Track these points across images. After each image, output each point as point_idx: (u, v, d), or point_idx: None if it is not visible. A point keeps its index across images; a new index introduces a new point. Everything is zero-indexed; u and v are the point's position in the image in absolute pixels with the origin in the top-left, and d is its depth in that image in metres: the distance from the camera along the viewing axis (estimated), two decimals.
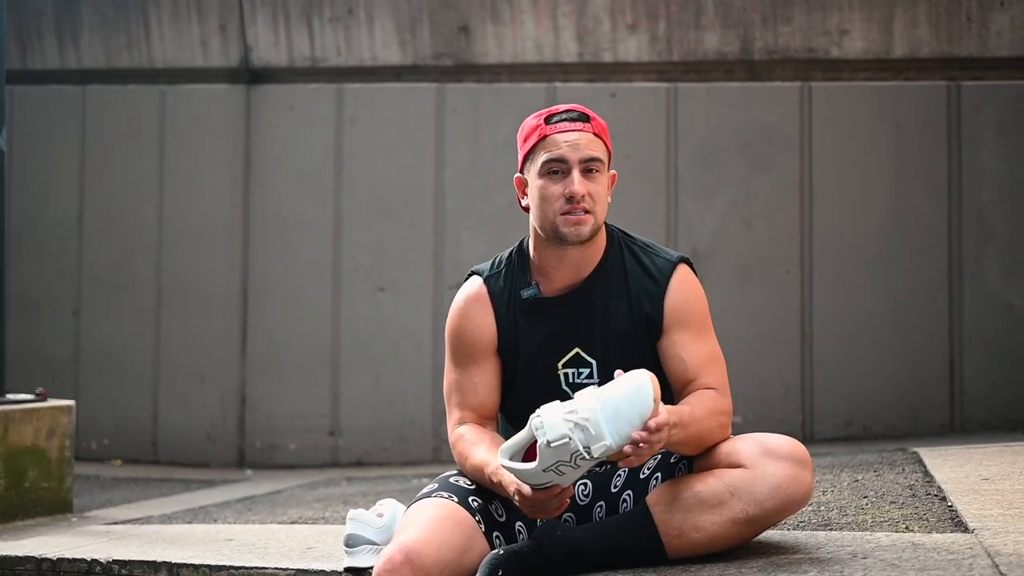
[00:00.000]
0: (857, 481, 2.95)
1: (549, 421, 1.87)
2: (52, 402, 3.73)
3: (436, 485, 2.11)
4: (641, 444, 1.86)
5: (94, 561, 2.70)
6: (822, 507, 2.58)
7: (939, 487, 2.70)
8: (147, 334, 5.37)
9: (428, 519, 2.00)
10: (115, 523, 3.51)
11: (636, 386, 1.88)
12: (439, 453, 5.08)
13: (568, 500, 1.94)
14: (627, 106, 4.96)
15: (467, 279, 2.23)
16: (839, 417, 4.74)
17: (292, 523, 3.24)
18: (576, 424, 1.86)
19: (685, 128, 4.96)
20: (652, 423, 1.85)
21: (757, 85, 4.91)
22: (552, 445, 1.85)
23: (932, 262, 4.74)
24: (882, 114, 4.80)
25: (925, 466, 3.08)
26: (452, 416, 2.18)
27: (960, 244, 4.73)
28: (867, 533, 2.22)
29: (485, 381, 2.15)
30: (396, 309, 5.17)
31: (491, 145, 5.13)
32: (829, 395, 4.76)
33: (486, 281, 2.18)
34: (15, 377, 5.36)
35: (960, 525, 2.25)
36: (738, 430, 2.16)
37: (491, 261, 2.22)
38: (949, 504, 2.47)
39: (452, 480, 2.11)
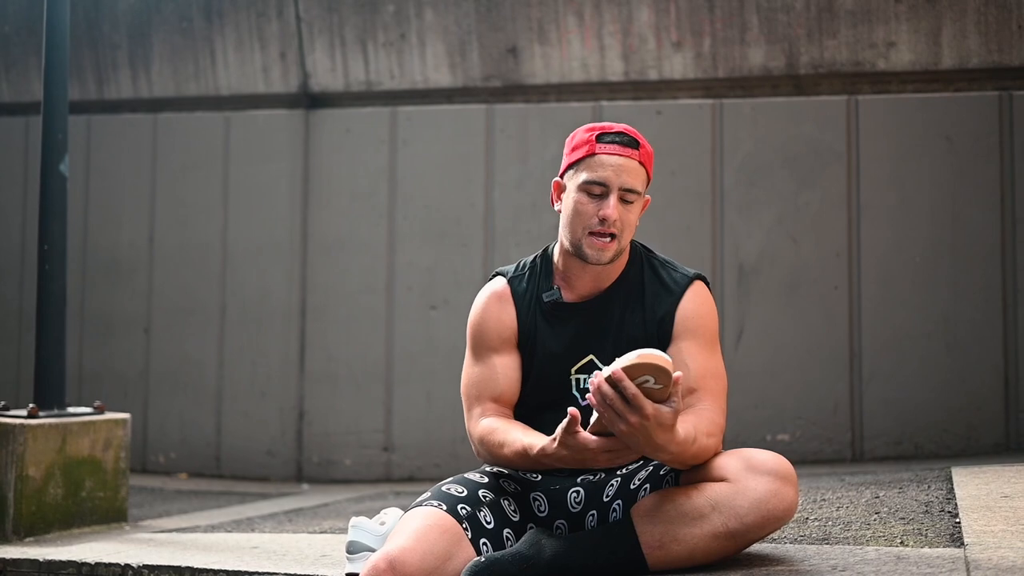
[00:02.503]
0: (877, 498, 2.91)
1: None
2: (109, 415, 3.86)
3: (429, 494, 2.16)
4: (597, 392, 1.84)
5: (127, 566, 2.82)
6: (828, 522, 2.56)
7: (956, 504, 2.65)
8: (211, 352, 5.57)
9: (414, 528, 2.05)
10: (162, 532, 3.63)
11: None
12: None
13: (624, 455, 1.91)
14: (672, 123, 4.98)
15: (491, 279, 2.29)
16: (889, 435, 4.64)
17: (321, 533, 3.33)
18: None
19: (731, 144, 4.95)
20: (618, 373, 1.83)
21: (803, 100, 4.88)
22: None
23: (985, 276, 4.62)
24: (932, 126, 4.72)
25: (952, 483, 3.01)
26: (472, 411, 2.22)
27: (1014, 257, 4.60)
28: (857, 547, 2.21)
29: (507, 373, 2.20)
30: (448, 327, 5.26)
31: (539, 164, 5.20)
32: (879, 413, 4.66)
33: (510, 282, 2.25)
34: (88, 392, 5.64)
35: (956, 540, 2.22)
36: (786, 448, 2.17)
37: (516, 264, 2.30)
38: (957, 520, 2.44)
39: (444, 488, 2.16)
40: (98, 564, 2.89)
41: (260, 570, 2.65)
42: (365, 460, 5.32)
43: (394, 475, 5.28)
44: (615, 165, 2.10)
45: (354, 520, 2.40)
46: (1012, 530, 2.23)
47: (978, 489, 2.85)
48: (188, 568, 2.77)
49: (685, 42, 5.00)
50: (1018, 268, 4.60)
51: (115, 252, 5.78)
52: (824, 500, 2.91)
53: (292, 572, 2.59)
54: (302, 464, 5.41)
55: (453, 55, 5.33)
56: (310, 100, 5.53)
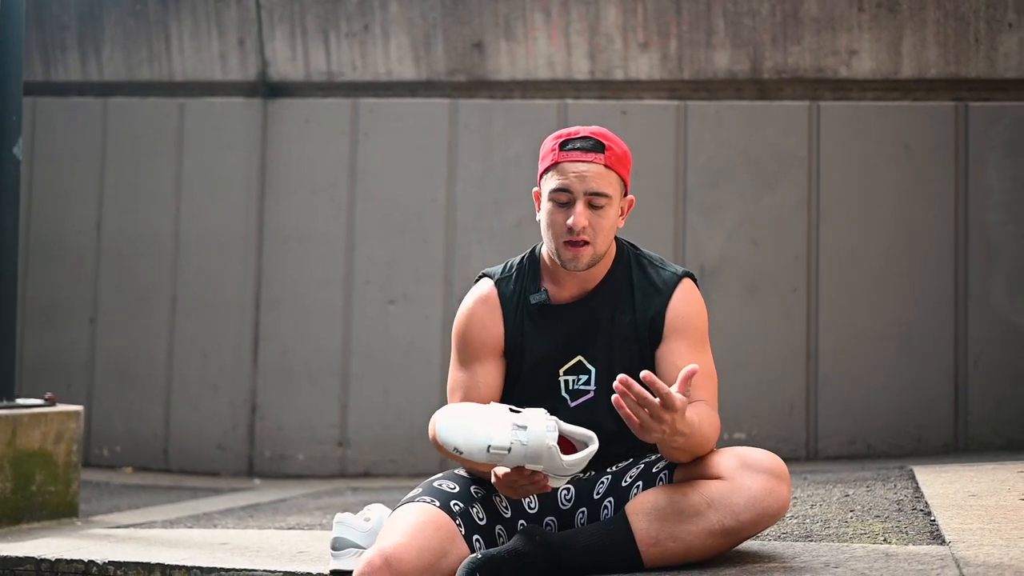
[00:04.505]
0: (847, 496, 2.97)
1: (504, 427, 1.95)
2: (60, 407, 3.77)
3: (420, 490, 2.14)
4: (626, 393, 1.87)
5: (91, 562, 2.73)
6: (807, 520, 2.60)
7: (926, 502, 2.71)
8: (161, 343, 5.45)
9: (408, 524, 2.03)
10: (118, 527, 3.54)
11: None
12: (446, 465, 5.10)
13: (546, 485, 1.96)
14: (637, 123, 5.01)
15: (478, 280, 2.27)
16: (843, 435, 4.74)
17: (289, 529, 3.28)
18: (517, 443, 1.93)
19: (695, 146, 5.01)
20: (649, 377, 1.87)
21: (766, 104, 4.95)
22: (490, 451, 1.92)
23: (938, 282, 4.75)
24: (890, 134, 4.83)
25: (917, 482, 3.09)
26: (453, 397, 2.23)
27: (966, 264, 4.74)
28: (844, 544, 2.25)
29: (488, 381, 2.19)
30: (406, 322, 5.23)
31: (502, 161, 5.20)
32: (834, 413, 4.77)
33: (497, 284, 2.23)
34: (31, 383, 5.47)
35: (938, 538, 2.27)
36: (741, 446, 2.18)
37: (503, 265, 2.27)
38: (932, 518, 2.49)
39: (436, 484, 2.14)
40: (59, 560, 2.80)
41: (236, 567, 2.60)
42: (319, 455, 5.26)
43: (349, 471, 5.23)
44: (578, 172, 2.09)
45: (339, 516, 2.37)
46: (989, 528, 2.29)
47: (944, 488, 2.92)
48: (158, 565, 2.70)
49: (652, 43, 5.04)
50: (970, 274, 4.74)
51: (60, 239, 5.61)
52: (796, 498, 2.96)
53: (271, 568, 2.55)
54: (254, 459, 5.33)
55: (417, 48, 5.29)
56: (269, 89, 5.44)
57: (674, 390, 1.89)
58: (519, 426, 1.93)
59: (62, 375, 5.50)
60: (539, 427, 1.92)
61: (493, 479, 2.00)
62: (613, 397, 1.89)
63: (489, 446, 1.91)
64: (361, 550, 2.32)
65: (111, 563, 2.75)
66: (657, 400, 1.86)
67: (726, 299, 4.88)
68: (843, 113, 4.89)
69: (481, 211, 5.21)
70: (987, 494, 2.77)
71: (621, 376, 1.86)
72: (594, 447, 1.96)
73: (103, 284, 5.56)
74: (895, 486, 3.12)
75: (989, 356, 4.69)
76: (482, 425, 1.95)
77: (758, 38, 4.94)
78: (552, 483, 1.97)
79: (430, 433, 2.02)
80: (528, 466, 1.92)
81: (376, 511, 2.39)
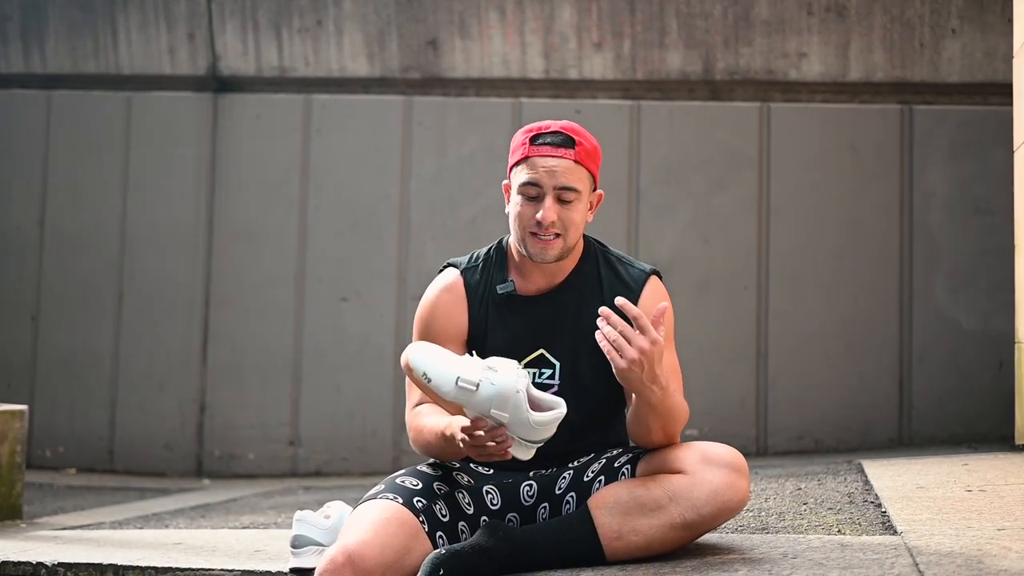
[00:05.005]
0: (800, 489, 3.03)
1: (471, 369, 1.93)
2: (4, 407, 3.69)
3: (383, 486, 2.13)
4: (614, 324, 1.91)
5: (39, 564, 2.65)
6: (762, 513, 2.64)
7: (876, 495, 2.77)
8: (106, 341, 5.35)
9: (371, 521, 2.01)
10: (64, 528, 3.47)
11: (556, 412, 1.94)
12: (399, 463, 5.09)
13: (509, 451, 1.94)
14: (591, 122, 4.99)
15: (443, 270, 2.26)
16: (792, 431, 4.83)
17: (243, 528, 3.24)
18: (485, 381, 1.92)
19: (648, 145, 5.06)
20: (623, 303, 1.94)
21: (718, 105, 5.02)
22: (459, 384, 1.91)
23: (884, 281, 4.86)
24: (838, 135, 4.93)
25: (866, 475, 3.16)
26: (411, 399, 2.20)
27: (911, 263, 4.86)
28: (800, 536, 2.29)
29: None
30: (359, 319, 5.20)
31: (457, 158, 5.19)
32: (783, 409, 4.86)
33: (463, 273, 2.21)
34: None
35: (890, 528, 2.32)
36: (702, 441, 2.21)
37: (469, 256, 2.26)
38: (883, 510, 2.55)
39: (398, 481, 2.13)
40: (6, 563, 2.72)
41: (192, 566, 2.56)
42: (270, 454, 5.21)
43: (300, 470, 5.19)
44: (548, 167, 2.09)
45: (299, 514, 2.35)
46: (938, 518, 2.35)
47: (892, 480, 3.00)
48: (111, 566, 2.64)
49: (606, 43, 5.08)
50: (915, 273, 4.86)
51: (1, 235, 5.48)
52: (751, 492, 3.00)
53: (229, 568, 2.51)
54: (202, 458, 5.26)
55: (371, 45, 5.27)
56: (219, 83, 5.38)
57: None
58: (490, 368, 1.93)
59: (3, 374, 5.37)
60: (510, 371, 1.92)
61: (459, 434, 1.96)
62: (596, 333, 1.93)
63: (459, 378, 1.90)
64: (321, 547, 2.30)
65: (61, 564, 2.69)
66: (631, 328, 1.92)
67: (678, 297, 4.89)
68: (793, 114, 4.97)
69: (435, 208, 5.20)
70: (934, 486, 2.85)
71: (603, 309, 1.92)
72: (562, 410, 1.94)
73: (46, 281, 5.44)
74: (845, 479, 3.19)
75: (932, 353, 4.81)
76: (456, 360, 1.95)
77: (710, 40, 5.00)
78: (515, 451, 1.94)
79: (402, 361, 1.99)
80: (493, 412, 1.90)
81: (336, 508, 2.38)
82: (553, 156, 2.10)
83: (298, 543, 2.32)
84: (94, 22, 5.44)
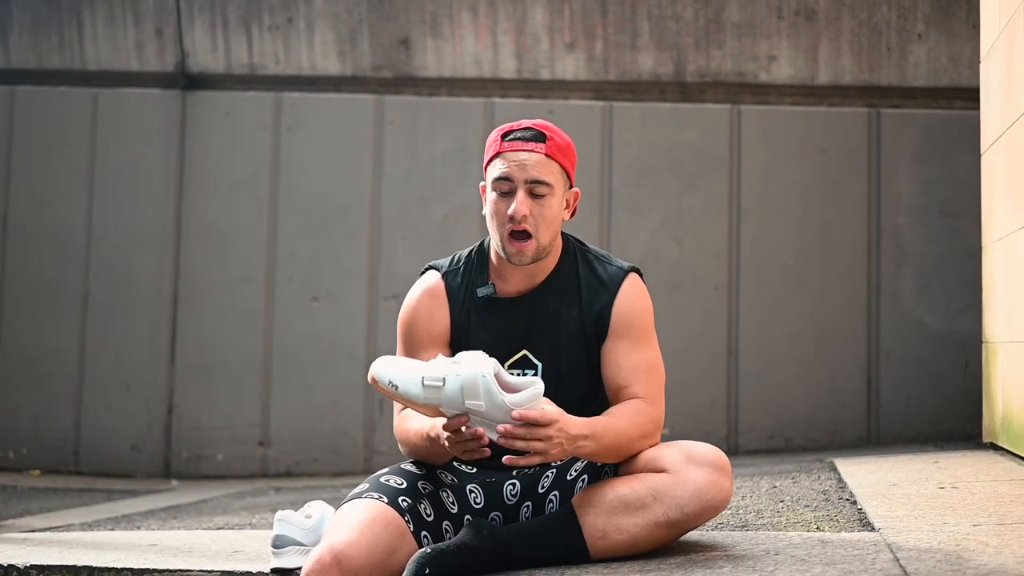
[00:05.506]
0: (775, 487, 3.06)
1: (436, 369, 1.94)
2: None
3: (367, 485, 2.12)
4: (510, 435, 1.89)
5: (11, 567, 2.61)
6: (740, 511, 2.67)
7: (851, 492, 2.82)
8: (72, 341, 5.27)
9: (357, 521, 2.01)
10: (33, 531, 3.41)
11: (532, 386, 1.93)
12: (370, 464, 5.07)
13: (486, 448, 1.94)
14: (563, 123, 4.97)
15: (424, 272, 2.25)
16: (762, 430, 4.88)
17: (218, 529, 3.21)
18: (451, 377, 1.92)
19: (619, 146, 5.09)
20: (517, 413, 1.90)
21: (689, 106, 5.06)
22: (425, 383, 1.91)
23: (852, 281, 4.93)
24: (807, 138, 4.99)
25: (839, 473, 3.21)
26: (398, 404, 2.21)
27: (878, 264, 4.93)
28: (781, 532, 2.32)
29: None
30: (330, 319, 5.17)
31: (429, 158, 5.19)
32: (753, 408, 4.91)
33: (444, 276, 2.22)
34: None
35: (867, 525, 2.36)
36: (664, 441, 2.22)
37: (450, 258, 2.26)
38: (859, 507, 2.59)
39: (383, 480, 2.13)
40: None
41: (170, 567, 2.53)
42: (239, 455, 5.17)
43: (270, 470, 5.15)
44: (518, 160, 2.10)
45: (280, 514, 2.34)
46: (914, 515, 2.40)
47: (865, 478, 3.04)
48: (85, 568, 2.61)
49: (578, 44, 5.10)
50: (882, 274, 4.93)
51: None
52: (733, 490, 3.03)
53: (207, 568, 2.49)
54: (170, 459, 5.21)
55: (343, 43, 5.24)
56: (188, 81, 5.32)
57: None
58: (455, 363, 1.93)
59: None
60: (474, 360, 1.92)
61: (443, 433, 1.96)
62: (503, 447, 1.92)
63: (423, 377, 1.90)
64: (303, 547, 2.30)
65: (33, 567, 2.64)
66: (535, 428, 1.90)
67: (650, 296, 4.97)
68: (762, 117, 5.03)
69: (406, 208, 5.19)
70: (907, 483, 2.90)
71: (500, 427, 1.90)
72: (539, 387, 1.93)
73: (9, 280, 5.35)
74: (819, 477, 3.23)
75: (899, 353, 4.88)
76: (419, 364, 1.96)
77: (682, 42, 5.04)
78: (492, 434, 1.93)
79: (369, 377, 2.00)
80: (468, 403, 1.90)
81: (317, 508, 2.37)
82: (523, 150, 2.11)
83: (279, 543, 2.31)
84: (59, 17, 5.36)
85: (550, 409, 1.93)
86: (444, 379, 1.89)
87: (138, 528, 3.42)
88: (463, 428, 1.92)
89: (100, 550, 2.85)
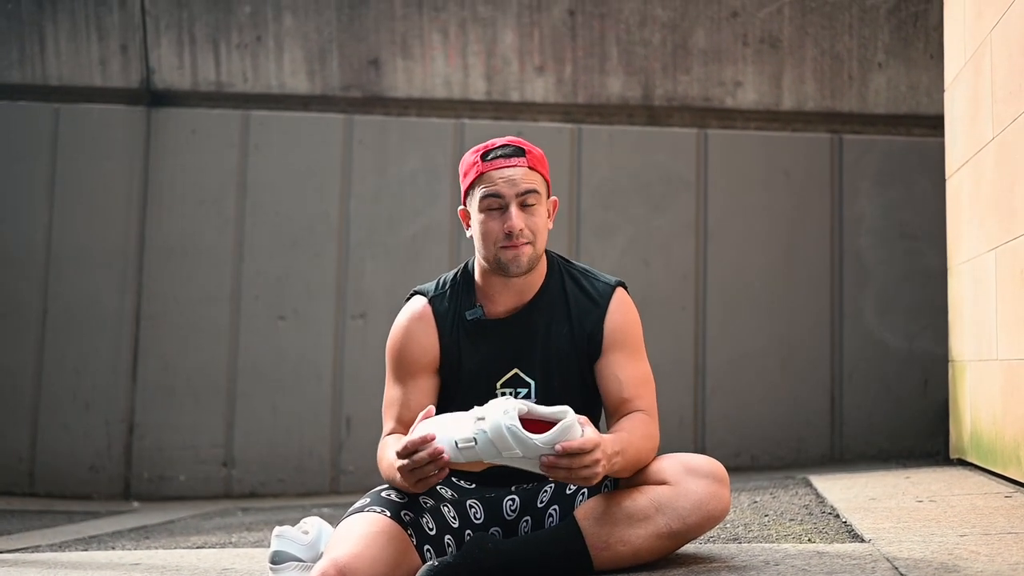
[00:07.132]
0: (756, 502, 3.11)
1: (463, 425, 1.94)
2: None
3: (368, 500, 2.12)
4: (554, 466, 1.91)
5: None
6: (728, 524, 2.72)
7: (832, 506, 2.87)
8: (28, 359, 5.16)
9: (361, 534, 2.00)
10: (1, 552, 3.33)
11: (564, 417, 1.94)
12: (337, 484, 5.04)
13: (445, 470, 1.95)
14: (533, 144, 5.10)
15: (410, 298, 2.26)
16: (729, 447, 4.95)
17: (199, 548, 3.17)
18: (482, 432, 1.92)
19: (588, 168, 5.15)
20: (560, 447, 1.91)
21: (657, 130, 5.15)
22: (459, 447, 1.92)
23: (816, 302, 5.04)
24: (772, 162, 5.11)
25: (815, 489, 3.26)
26: (385, 427, 2.21)
27: (841, 286, 5.05)
28: (775, 545, 2.36)
29: (419, 399, 2.18)
30: (296, 338, 5.13)
31: (397, 177, 5.19)
32: (720, 426, 4.98)
33: (431, 301, 2.22)
34: None
35: (857, 537, 2.40)
36: (682, 452, 2.25)
37: (435, 282, 2.26)
38: (843, 520, 2.64)
39: (384, 494, 2.12)
40: None
41: None
42: (202, 476, 5.09)
43: (234, 491, 5.08)
44: (505, 177, 2.13)
45: (278, 530, 2.33)
46: (900, 527, 2.46)
47: (843, 493, 3.11)
48: None
49: (547, 67, 5.16)
50: (845, 295, 5.05)
51: None
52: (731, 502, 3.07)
53: None
54: (130, 480, 5.11)
55: (312, 62, 5.24)
56: (153, 97, 5.27)
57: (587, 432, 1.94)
58: (480, 418, 1.94)
59: None
60: (496, 412, 1.93)
61: (399, 470, 1.95)
62: (547, 469, 1.92)
63: (456, 442, 1.92)
64: (301, 563, 2.28)
65: None
66: (579, 457, 1.91)
67: None
68: (728, 141, 5.13)
69: (375, 227, 5.18)
70: (885, 497, 2.96)
71: (543, 459, 1.91)
72: (569, 419, 1.93)
73: None
74: (796, 492, 3.29)
75: (862, 372, 5.00)
76: (450, 424, 1.96)
77: (649, 66, 5.13)
78: (534, 468, 1.92)
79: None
80: (505, 455, 1.92)
81: (315, 524, 2.37)
82: (507, 166, 2.14)
83: (278, 559, 2.30)
84: (20, 30, 5.28)
85: (589, 431, 1.94)
86: (475, 439, 1.92)
87: (112, 548, 3.35)
88: (423, 453, 1.92)
89: (81, 570, 2.79)
